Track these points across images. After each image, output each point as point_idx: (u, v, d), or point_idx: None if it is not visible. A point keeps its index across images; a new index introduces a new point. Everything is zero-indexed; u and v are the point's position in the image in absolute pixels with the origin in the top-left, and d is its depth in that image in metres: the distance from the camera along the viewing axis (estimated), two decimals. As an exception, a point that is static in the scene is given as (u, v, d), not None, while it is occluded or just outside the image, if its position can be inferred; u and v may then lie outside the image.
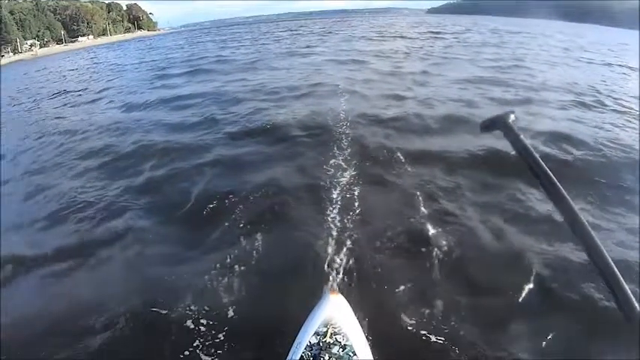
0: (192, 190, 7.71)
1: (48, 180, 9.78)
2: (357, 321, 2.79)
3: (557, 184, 1.23)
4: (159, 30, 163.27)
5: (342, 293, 3.20)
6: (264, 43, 38.90)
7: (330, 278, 4.81)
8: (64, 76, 38.01)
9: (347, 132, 9.65)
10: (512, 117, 1.40)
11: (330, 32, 47.74)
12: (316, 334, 2.51)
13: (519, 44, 31.75)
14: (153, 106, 16.01)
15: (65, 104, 21.32)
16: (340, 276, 4.85)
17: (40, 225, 7.51)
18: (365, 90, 14.08)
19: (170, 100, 16.43)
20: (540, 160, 1.29)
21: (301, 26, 67.51)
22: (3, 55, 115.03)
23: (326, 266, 5.03)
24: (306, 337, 2.53)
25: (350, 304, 2.95)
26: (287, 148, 9.21)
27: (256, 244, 5.71)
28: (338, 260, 5.12)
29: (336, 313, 2.69)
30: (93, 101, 20.23)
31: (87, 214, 7.57)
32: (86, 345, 4.39)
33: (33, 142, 14.07)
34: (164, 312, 4.65)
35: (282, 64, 22.75)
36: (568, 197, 1.19)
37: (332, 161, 8.07)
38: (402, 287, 4.66)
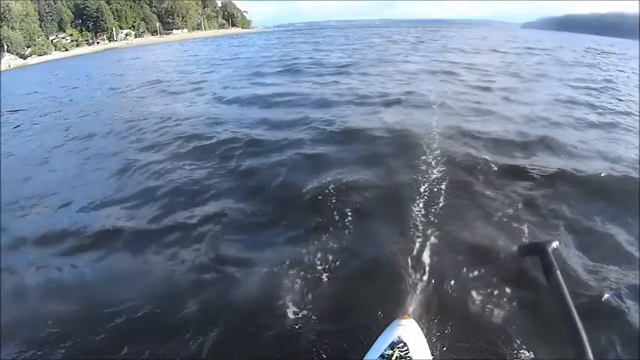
0: (276, 183, 8.30)
1: (140, 159, 11.09)
2: (427, 348, 2.76)
3: (581, 330, 1.34)
4: (253, 28, 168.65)
5: (415, 316, 3.34)
6: (357, 49, 39.27)
7: (406, 299, 4.75)
8: (159, 66, 41.03)
9: (435, 142, 9.78)
10: (553, 245, 1.60)
11: (423, 42, 47.43)
12: (382, 356, 2.49)
13: (612, 65, 30.24)
14: (245, 101, 17.05)
15: (159, 92, 23.37)
16: (416, 297, 4.77)
17: (132, 200, 8.55)
18: (454, 102, 14.11)
19: (261, 97, 17.39)
20: (570, 300, 1.38)
21: (395, 34, 67.27)
22: (98, 42, 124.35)
23: (402, 284, 4.97)
24: (373, 358, 2.53)
25: (422, 329, 2.92)
26: (373, 153, 9.44)
27: (332, 247, 5.89)
28: (416, 280, 5.05)
29: (405, 337, 2.65)
30: (186, 92, 21.92)
31: (175, 193, 8.53)
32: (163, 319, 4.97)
33: (122, 125, 15.77)
34: (226, 301, 5.11)
35: (374, 71, 23.05)
36: (587, 345, 1.31)
37: (418, 170, 8.09)
38: (484, 318, 4.48)
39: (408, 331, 2.76)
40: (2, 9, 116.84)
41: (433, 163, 8.46)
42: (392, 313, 4.26)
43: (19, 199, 9.95)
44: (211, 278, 5.62)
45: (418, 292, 4.83)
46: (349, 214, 6.72)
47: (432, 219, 6.35)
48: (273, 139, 11.17)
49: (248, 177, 8.90)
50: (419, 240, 5.80)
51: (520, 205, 6.86)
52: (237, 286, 5.33)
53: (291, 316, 4.64)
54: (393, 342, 2.60)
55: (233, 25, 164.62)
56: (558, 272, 1.49)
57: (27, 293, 6.03)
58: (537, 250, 1.64)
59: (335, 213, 6.80)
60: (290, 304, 4.82)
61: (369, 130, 11.03)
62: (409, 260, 5.36)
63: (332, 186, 7.67)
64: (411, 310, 4.53)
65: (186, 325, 4.76)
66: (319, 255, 5.69)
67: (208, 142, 11.66)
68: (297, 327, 4.48)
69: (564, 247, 5.48)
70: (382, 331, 2.80)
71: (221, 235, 6.73)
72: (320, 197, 7.37)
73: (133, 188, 9.33)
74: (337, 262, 5.51)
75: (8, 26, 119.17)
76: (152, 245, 6.68)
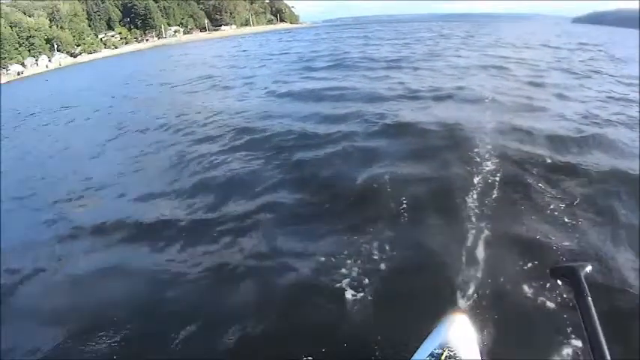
0: (330, 175, 8.43)
1: (194, 151, 11.49)
2: (477, 347, 2.69)
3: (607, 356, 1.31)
4: (301, 24, 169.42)
5: (467, 314, 3.15)
6: (406, 43, 38.93)
7: (458, 295, 4.74)
8: (209, 61, 41.88)
9: (487, 137, 9.64)
10: (587, 269, 1.52)
11: (472, 36, 46.63)
12: (431, 355, 2.46)
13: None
14: (296, 95, 17.26)
15: (211, 87, 23.85)
16: (469, 295, 4.74)
17: (187, 191, 8.91)
18: (505, 97, 13.83)
19: (313, 91, 17.56)
20: (599, 329, 1.35)
21: (444, 28, 66.49)
22: (147, 40, 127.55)
23: (455, 281, 4.96)
24: (421, 358, 2.50)
25: (475, 328, 2.87)
26: (425, 147, 9.43)
27: (385, 239, 5.93)
28: (469, 276, 5.02)
29: (456, 336, 2.61)
30: (238, 87, 22.34)
31: (229, 184, 8.85)
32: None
33: (175, 119, 16.23)
34: (281, 288, 5.28)
35: (425, 65, 22.90)
36: None
37: (470, 165, 8.15)
38: (536, 317, 4.40)
39: (460, 328, 2.71)
40: (51, 9, 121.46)
41: (485, 157, 8.43)
42: (443, 308, 4.22)
43: (77, 190, 10.38)
44: (268, 266, 5.75)
45: (471, 287, 4.81)
46: (401, 206, 6.77)
47: (484, 213, 6.37)
48: (325, 133, 11.27)
49: (301, 169, 9.04)
50: (471, 234, 5.83)
51: (573, 202, 6.73)
52: (293, 274, 5.46)
53: (342, 308, 4.70)
54: (443, 340, 2.57)
55: (281, 20, 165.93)
56: (589, 298, 1.41)
57: (81, 280, 6.29)
58: (569, 273, 1.53)
59: (387, 205, 6.87)
60: (341, 295, 4.89)
61: (420, 124, 11.02)
62: (461, 255, 5.37)
63: (384, 178, 7.76)
64: (462, 305, 4.54)
65: (242, 311, 4.92)
66: (371, 247, 5.76)
67: (261, 135, 11.87)
68: (348, 319, 4.55)
69: (612, 254, 5.35)
70: (433, 326, 2.76)
71: (276, 224, 6.87)
72: (372, 189, 7.47)
73: (188, 180, 9.60)
74: (389, 255, 5.58)
75: (57, 26, 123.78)
76: (208, 234, 6.88)
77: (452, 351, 2.45)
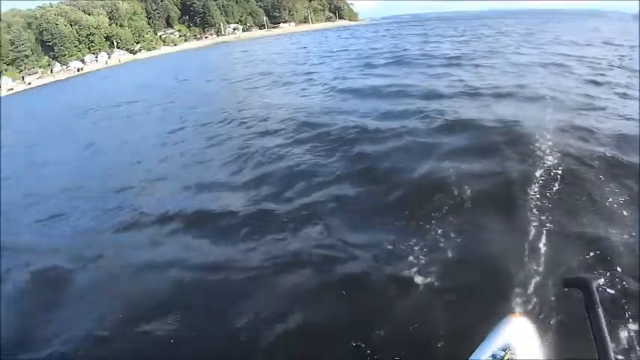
0: (390, 169, 8.62)
1: (256, 145, 12.00)
2: (540, 352, 2.61)
3: None
4: (360, 21, 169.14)
5: (528, 315, 3.14)
6: (466, 40, 38.13)
7: (518, 294, 4.68)
8: (268, 58, 42.85)
9: (547, 135, 9.48)
10: (599, 282, 1.57)
11: (533, 33, 45.25)
12: (493, 357, 2.41)
13: None
14: (356, 91, 17.48)
15: (271, 83, 24.46)
16: (530, 296, 4.64)
17: (250, 183, 9.37)
18: (566, 96, 13.52)
19: (373, 87, 17.73)
20: (608, 342, 1.43)
21: (504, 25, 64.76)
22: (206, 37, 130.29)
23: (516, 278, 4.90)
24: (481, 358, 2.46)
25: (536, 330, 2.77)
26: (485, 144, 9.40)
27: (445, 233, 6.04)
28: (530, 274, 4.96)
29: (517, 338, 2.54)
30: (298, 83, 22.85)
31: (291, 177, 9.17)
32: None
33: (236, 114, 16.93)
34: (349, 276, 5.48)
35: (485, 62, 22.52)
36: None
37: (530, 163, 8.09)
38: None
39: (520, 331, 2.65)
40: (110, 8, 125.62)
41: (546, 154, 8.38)
42: (503, 307, 4.38)
43: (140, 181, 11.10)
44: (329, 254, 6.02)
45: (532, 286, 4.77)
46: (462, 200, 6.89)
47: (546, 210, 6.34)
48: (385, 128, 11.46)
49: (362, 162, 9.30)
50: (533, 231, 5.81)
51: (635, 201, 6.62)
52: (353, 263, 5.70)
53: (400, 299, 4.85)
54: (504, 342, 2.51)
55: (340, 17, 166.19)
56: (600, 310, 1.50)
57: (140, 268, 6.78)
58: (581, 285, 1.63)
59: (448, 198, 6.98)
60: (400, 287, 5.06)
61: (480, 121, 11.01)
62: (522, 254, 5.35)
63: (445, 172, 7.90)
64: (523, 305, 4.51)
65: (303, 298, 5.22)
66: (432, 241, 5.89)
67: (322, 129, 12.19)
68: (406, 310, 4.67)
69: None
70: (493, 327, 2.70)
71: (338, 214, 7.16)
72: (433, 182, 7.61)
73: (250, 171, 10.12)
74: (450, 249, 5.67)
75: (117, 24, 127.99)
76: (271, 223, 7.25)
77: (514, 354, 2.42)
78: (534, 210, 6.35)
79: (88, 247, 7.94)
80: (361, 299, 5.07)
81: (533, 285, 4.77)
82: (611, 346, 1.40)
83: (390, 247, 5.92)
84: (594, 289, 1.56)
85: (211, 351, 4.82)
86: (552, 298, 4.56)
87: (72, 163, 15.70)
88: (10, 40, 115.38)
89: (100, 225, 8.91)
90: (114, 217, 9.09)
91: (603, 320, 1.46)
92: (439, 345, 4.17)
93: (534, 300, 4.58)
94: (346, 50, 39.31)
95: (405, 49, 33.34)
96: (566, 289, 1.71)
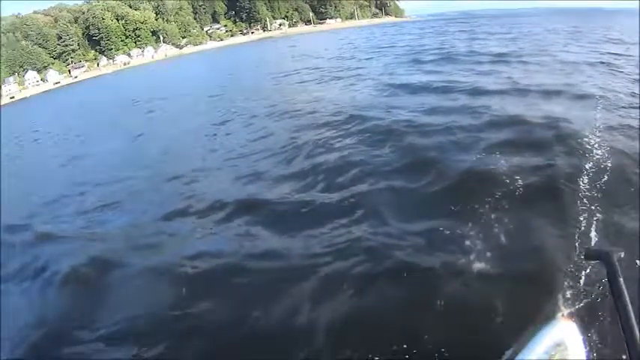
0: (438, 162, 8.71)
1: (303, 138, 12.26)
2: (586, 356, 2.55)
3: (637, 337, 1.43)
4: (406, 17, 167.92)
5: (575, 319, 3.13)
6: (513, 37, 37.01)
7: (565, 295, 4.58)
8: (315, 53, 43.29)
9: (596, 134, 9.31)
10: (620, 254, 1.56)
11: (580, 31, 43.82)
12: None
13: None
14: (404, 87, 17.62)
15: (319, 78, 24.93)
16: (577, 297, 4.55)
17: (298, 175, 9.63)
18: (614, 95, 13.17)
19: (420, 83, 17.85)
20: (630, 308, 1.45)
21: (552, 23, 62.70)
22: (253, 32, 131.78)
23: (564, 278, 4.82)
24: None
25: (582, 335, 2.67)
26: (533, 140, 9.29)
27: (497, 226, 6.06)
28: (579, 274, 4.84)
29: (564, 342, 2.47)
30: (346, 78, 23.15)
31: (340, 170, 9.35)
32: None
33: (284, 107, 17.45)
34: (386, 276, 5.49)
35: (533, 60, 21.96)
36: None
37: (580, 162, 7.92)
38: None
39: (567, 335, 2.54)
40: (157, 3, 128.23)
41: (595, 151, 8.33)
42: (550, 307, 4.40)
43: (191, 171, 11.51)
44: (386, 242, 6.16)
45: (579, 291, 4.65)
46: (512, 193, 6.92)
47: (595, 208, 6.25)
48: (433, 122, 11.61)
49: (411, 155, 9.43)
50: (580, 233, 5.71)
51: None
52: (400, 254, 5.81)
53: (446, 292, 4.89)
54: (550, 345, 2.44)
55: (386, 14, 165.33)
56: (622, 281, 1.50)
57: (194, 255, 6.96)
58: (602, 257, 1.63)
59: (497, 191, 6.99)
60: (447, 280, 5.13)
61: (528, 117, 10.94)
62: (570, 254, 5.25)
63: (493, 166, 7.97)
64: (570, 310, 4.42)
65: (354, 286, 5.34)
66: (479, 235, 5.91)
67: (369, 123, 12.43)
68: (459, 301, 4.77)
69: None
70: (538, 331, 2.60)
71: (391, 205, 7.30)
72: (481, 176, 7.65)
73: (300, 162, 10.43)
74: (497, 244, 5.69)
75: (163, 19, 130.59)
76: (324, 213, 7.46)
77: (559, 357, 2.38)
78: (584, 202, 6.36)
79: (140, 235, 8.34)
80: (414, 286, 5.18)
81: (581, 286, 4.69)
82: (634, 316, 1.42)
83: (442, 236, 6.05)
84: (615, 260, 1.57)
85: (262, 336, 4.97)
86: (601, 302, 4.45)
87: (122, 153, 16.52)
88: (56, 34, 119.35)
89: (151, 213, 9.34)
90: (165, 206, 9.48)
91: (625, 291, 1.47)
92: (488, 334, 4.25)
93: (581, 302, 4.50)
94: (393, 46, 39.36)
95: (452, 46, 33.11)
96: (589, 261, 1.76)
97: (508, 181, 7.28)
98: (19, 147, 26.69)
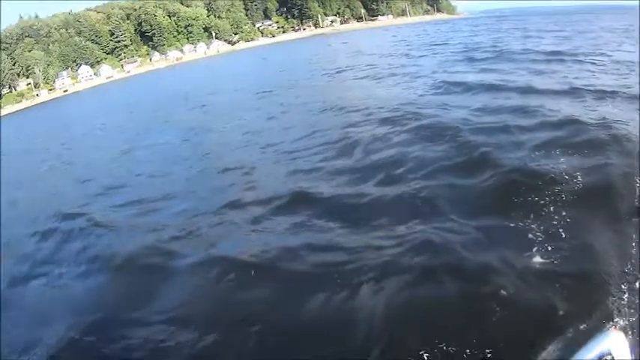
0: (497, 160, 8.63)
1: (358, 135, 12.41)
2: None
3: None
4: (458, 14, 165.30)
5: (626, 331, 3.22)
6: (567, 36, 35.02)
7: (616, 306, 4.48)
8: (368, 50, 43.54)
9: None
10: None
11: (634, 29, 42.16)
12: None
13: None
14: (459, 86, 17.54)
15: (373, 76, 24.99)
16: (631, 312, 4.43)
17: (354, 170, 9.92)
18: None
19: (476, 82, 17.72)
20: None
21: (606, 21, 59.12)
22: (304, 29, 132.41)
23: (615, 289, 4.72)
24: None
25: (633, 348, 2.69)
26: (588, 144, 8.91)
27: (553, 231, 5.97)
28: (632, 291, 4.71)
29: (611, 353, 2.48)
30: (400, 75, 23.26)
31: (395, 166, 9.60)
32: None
33: (338, 103, 17.60)
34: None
35: (587, 59, 21.02)
36: None
37: (637, 167, 7.59)
38: None
39: (616, 347, 2.54)
40: (208, 0, 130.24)
41: None
42: (600, 317, 4.33)
43: (244, 164, 11.91)
44: (445, 240, 6.20)
45: (632, 302, 4.56)
46: (566, 199, 6.75)
47: None
48: (487, 121, 11.67)
49: (466, 153, 9.43)
50: (636, 240, 5.58)
51: None
52: (467, 247, 5.92)
53: (515, 287, 4.95)
54: (600, 354, 2.47)
55: (438, 10, 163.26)
56: None
57: (245, 247, 7.23)
58: None
59: (555, 190, 6.97)
60: (515, 273, 5.18)
61: (583, 119, 10.63)
62: (622, 264, 5.17)
63: (550, 165, 7.90)
64: (621, 322, 4.29)
65: (412, 280, 5.48)
66: (531, 239, 5.86)
67: (423, 121, 12.49)
68: (509, 307, 4.73)
69: None
70: (587, 341, 2.66)
71: (448, 201, 7.42)
72: (539, 174, 7.60)
73: (354, 158, 10.71)
74: (552, 249, 5.61)
75: (215, 15, 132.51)
76: (380, 208, 7.66)
77: None
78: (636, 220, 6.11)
79: (194, 225, 8.63)
80: (471, 280, 5.23)
81: (634, 298, 4.60)
82: None
83: (499, 232, 6.14)
84: None
85: (318, 324, 5.14)
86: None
87: (177, 145, 17.27)
88: (109, 30, 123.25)
89: (205, 204, 9.70)
90: (220, 197, 9.90)
91: None
92: (539, 332, 4.28)
93: (635, 307, 4.46)
94: (447, 44, 39.12)
95: (505, 44, 32.56)
96: None
97: (564, 180, 7.25)
98: (76, 138, 28.11)
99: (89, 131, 30.34)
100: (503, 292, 4.90)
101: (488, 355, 4.21)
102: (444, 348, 4.34)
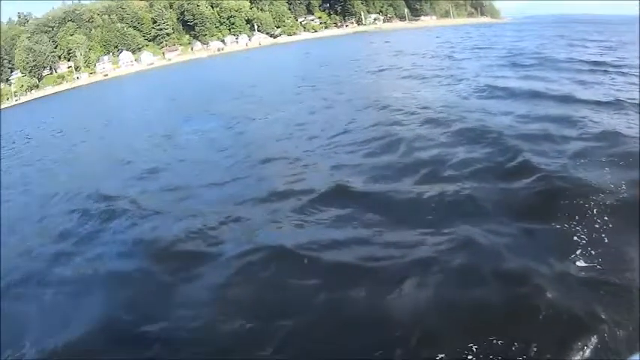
0: (541, 168, 8.49)
1: (399, 134, 12.49)
2: None
3: None
4: (502, 18, 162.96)
5: None
6: (610, 47, 34.28)
7: None
8: (411, 50, 43.34)
9: None
10: None
11: None
12: None
13: None
14: (501, 90, 17.47)
15: (414, 76, 25.01)
16: None
17: (394, 167, 10.06)
18: None
19: (518, 88, 17.60)
20: None
21: None
22: (347, 25, 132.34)
23: None
24: None
25: None
26: (635, 160, 8.65)
27: (597, 242, 5.93)
28: None
29: None
30: (442, 77, 23.23)
31: (433, 164, 9.80)
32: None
33: (383, 102, 17.66)
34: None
35: (633, 72, 19.87)
36: None
37: None
38: None
39: None
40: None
41: None
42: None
43: (285, 156, 12.22)
44: (487, 244, 6.24)
45: None
46: (605, 211, 6.66)
47: None
48: (528, 128, 11.59)
49: (507, 160, 9.34)
50: None
51: None
52: (507, 255, 5.90)
53: (544, 304, 4.83)
54: None
55: (482, 14, 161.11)
56: None
57: (283, 237, 7.37)
58: None
59: (597, 202, 6.87)
60: (549, 288, 5.04)
61: (624, 132, 10.48)
62: None
63: (590, 178, 7.81)
64: None
65: (464, 282, 5.50)
66: (578, 246, 5.87)
67: (465, 124, 12.53)
68: (551, 313, 4.71)
69: None
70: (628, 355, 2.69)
71: (490, 207, 7.40)
72: (580, 185, 7.52)
73: (395, 157, 10.76)
74: (596, 259, 5.60)
75: (258, 8, 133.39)
76: (421, 210, 7.67)
77: None
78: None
79: (234, 213, 8.81)
80: (514, 285, 5.23)
81: None
82: None
83: (542, 238, 6.19)
84: None
85: (356, 320, 5.22)
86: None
87: (218, 133, 17.74)
88: (152, 18, 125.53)
89: (246, 193, 9.92)
90: (260, 187, 10.14)
91: None
92: (583, 342, 4.27)
93: None
94: (490, 48, 38.61)
95: (549, 51, 32.03)
96: None
97: (609, 190, 7.23)
98: (116, 121, 29.17)
99: (130, 115, 31.45)
100: (543, 294, 4.91)
101: (525, 358, 4.26)
102: (482, 347, 4.43)
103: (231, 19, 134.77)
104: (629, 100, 14.05)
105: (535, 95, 15.88)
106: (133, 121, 28.50)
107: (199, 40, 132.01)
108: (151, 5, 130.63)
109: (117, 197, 11.36)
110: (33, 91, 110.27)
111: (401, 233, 7.02)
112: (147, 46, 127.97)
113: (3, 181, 18.30)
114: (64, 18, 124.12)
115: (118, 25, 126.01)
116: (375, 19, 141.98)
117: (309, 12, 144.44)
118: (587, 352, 4.20)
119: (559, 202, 7.09)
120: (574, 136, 10.63)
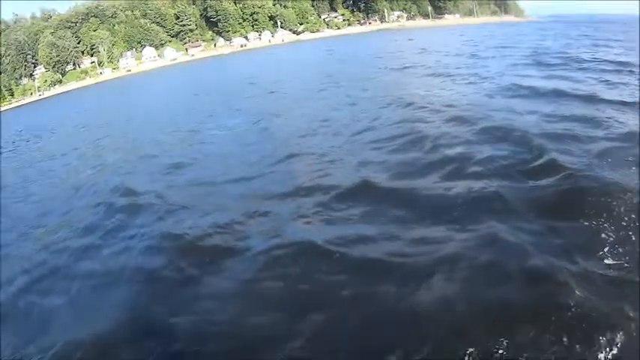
0: (568, 169, 8.37)
1: (423, 132, 12.53)
2: None
3: None
4: (526, 17, 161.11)
5: None
6: (633, 47, 34.51)
7: None
8: (434, 48, 43.12)
9: None
10: None
11: None
12: None
13: None
14: (526, 90, 17.42)
15: (438, 74, 24.99)
16: None
17: (415, 165, 10.14)
18: None
19: (543, 87, 17.51)
20: None
21: None
22: (370, 23, 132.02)
23: None
24: None
25: None
26: None
27: (622, 241, 5.96)
28: None
29: None
30: (466, 76, 23.19)
31: (457, 162, 9.82)
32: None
33: (405, 99, 17.75)
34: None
35: None
36: None
37: None
38: None
39: None
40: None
41: None
42: None
43: (305, 153, 12.33)
44: (515, 243, 6.21)
45: None
46: (633, 211, 6.66)
47: None
48: (553, 127, 11.58)
49: (532, 159, 9.30)
50: None
51: None
52: (534, 254, 5.87)
53: (573, 304, 4.84)
54: None
55: (506, 12, 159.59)
56: None
57: (302, 233, 7.46)
58: None
59: (617, 206, 6.84)
60: (579, 288, 5.06)
61: None
62: None
63: (614, 179, 7.76)
64: None
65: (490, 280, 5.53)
66: (608, 246, 5.90)
67: (490, 123, 12.53)
68: (580, 314, 4.72)
69: None
70: None
71: (515, 208, 7.36)
72: (603, 187, 7.44)
73: (418, 155, 10.79)
74: (617, 258, 5.65)
75: (281, 5, 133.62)
76: (447, 208, 7.69)
77: None
78: None
79: (261, 207, 8.93)
80: (543, 285, 5.22)
81: None
82: None
83: (572, 239, 6.18)
84: None
85: (381, 315, 5.27)
86: None
87: (243, 129, 17.91)
88: (175, 14, 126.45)
89: (272, 188, 10.02)
90: (286, 182, 10.22)
91: None
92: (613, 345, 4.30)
93: None
94: (515, 47, 38.20)
95: (575, 51, 31.63)
96: None
97: (633, 190, 7.20)
98: (140, 116, 29.57)
99: (154, 110, 31.65)
100: (571, 292, 4.95)
101: (552, 356, 4.31)
102: (510, 343, 4.50)
103: (254, 16, 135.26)
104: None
105: (562, 95, 15.82)
106: (156, 116, 28.79)
107: (222, 37, 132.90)
108: (174, 1, 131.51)
109: (143, 191, 11.58)
110: (56, 86, 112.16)
111: (427, 229, 7.10)
112: (170, 41, 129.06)
113: (29, 175, 18.84)
114: (87, 14, 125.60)
115: (141, 20, 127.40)
116: (398, 17, 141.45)
117: (333, 9, 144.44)
118: (615, 351, 4.23)
119: (585, 200, 7.13)
120: (599, 135, 10.62)
